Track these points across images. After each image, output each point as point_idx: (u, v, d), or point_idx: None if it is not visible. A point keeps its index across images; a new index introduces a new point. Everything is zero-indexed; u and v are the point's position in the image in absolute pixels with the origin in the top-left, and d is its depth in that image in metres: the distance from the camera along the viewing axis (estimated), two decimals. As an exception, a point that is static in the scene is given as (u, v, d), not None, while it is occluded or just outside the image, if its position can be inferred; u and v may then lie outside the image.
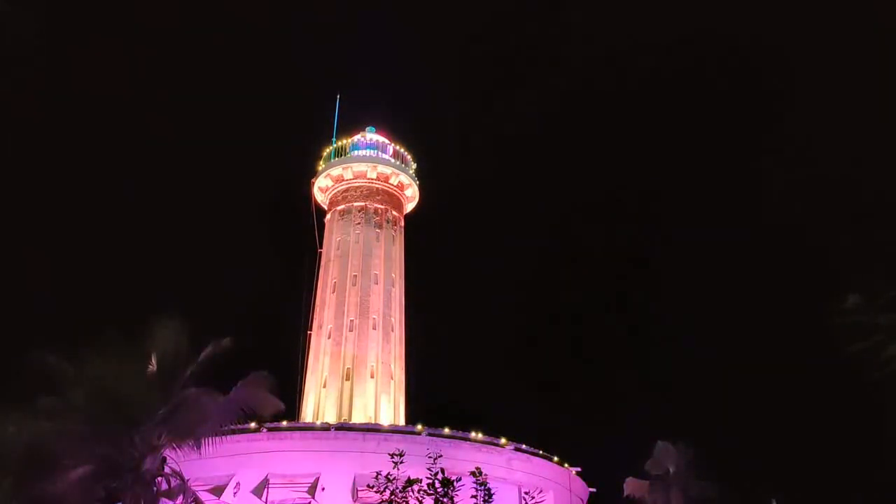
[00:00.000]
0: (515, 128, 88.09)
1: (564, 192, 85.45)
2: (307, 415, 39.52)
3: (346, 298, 41.94)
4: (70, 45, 76.19)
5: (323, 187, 46.45)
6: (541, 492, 32.15)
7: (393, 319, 42.55)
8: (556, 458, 35.91)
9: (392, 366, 41.15)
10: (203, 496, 22.21)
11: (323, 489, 30.00)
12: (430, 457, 17.10)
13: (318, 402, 39.79)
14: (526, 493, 30.65)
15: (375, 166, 45.49)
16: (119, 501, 17.67)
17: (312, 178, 46.45)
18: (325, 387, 39.96)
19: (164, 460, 18.88)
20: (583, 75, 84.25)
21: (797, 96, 71.86)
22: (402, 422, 39.42)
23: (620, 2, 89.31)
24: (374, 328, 41.33)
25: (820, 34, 72.35)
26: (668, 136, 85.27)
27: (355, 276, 42.50)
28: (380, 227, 44.36)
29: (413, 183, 46.63)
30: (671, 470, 31.55)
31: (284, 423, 32.52)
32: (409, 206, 47.55)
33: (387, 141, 47.40)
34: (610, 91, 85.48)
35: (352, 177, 45.51)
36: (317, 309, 42.97)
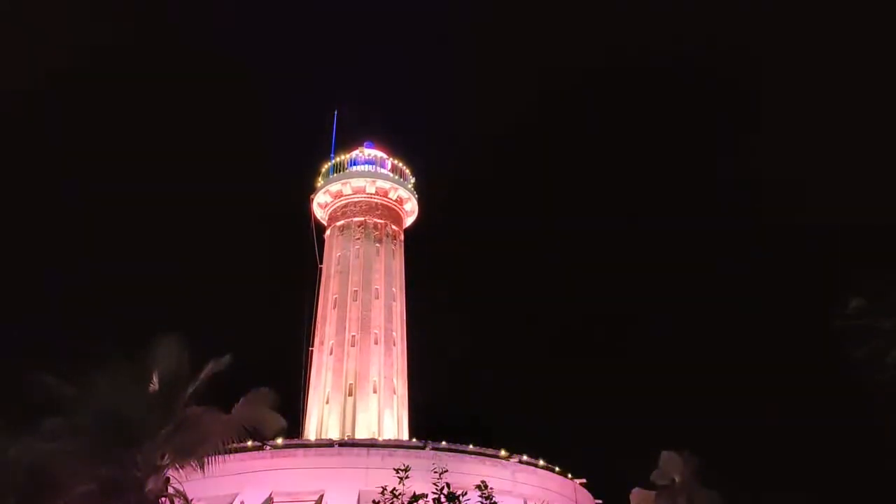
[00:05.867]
0: (514, 141, 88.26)
1: (564, 205, 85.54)
2: (310, 432, 39.35)
3: (347, 314, 41.88)
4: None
5: (322, 203, 46.49)
6: (547, 504, 31.99)
7: (394, 334, 42.46)
8: (561, 470, 35.75)
9: (395, 380, 41.02)
10: (207, 515, 22.08)
11: (327, 506, 29.83)
12: (434, 471, 16.95)
13: (321, 419, 39.63)
14: (532, 506, 30.48)
15: (374, 181, 45.59)
16: (122, 522, 17.53)
17: (311, 194, 46.53)
18: (327, 403, 39.81)
19: (167, 480, 18.74)
20: (577, 83, 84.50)
21: (786, 95, 71.96)
22: (405, 436, 39.24)
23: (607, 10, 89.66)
24: (376, 343, 41.23)
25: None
26: (660, 134, 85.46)
27: (356, 291, 42.45)
28: (379, 241, 44.36)
29: (412, 197, 46.68)
30: (677, 479, 31.37)
31: (288, 440, 32.38)
32: (409, 221, 47.58)
33: (385, 156, 47.52)
34: (607, 104, 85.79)
35: (351, 192, 45.58)
36: (318, 325, 42.89)
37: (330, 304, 42.77)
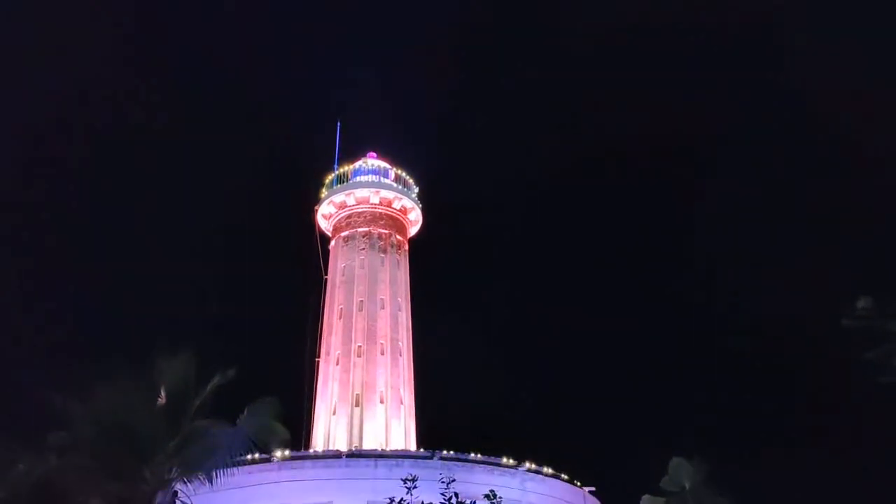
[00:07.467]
0: (518, 148, 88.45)
1: (566, 211, 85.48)
2: (318, 443, 39.28)
3: (353, 324, 41.86)
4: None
5: (326, 214, 46.58)
6: (556, 512, 31.86)
7: (401, 344, 42.43)
8: (569, 478, 35.58)
9: (401, 390, 40.95)
10: (215, 529, 21.97)
11: (336, 517, 29.72)
12: (442, 481, 16.94)
13: (328, 430, 39.56)
14: (541, 515, 30.32)
15: (378, 191, 45.68)
16: (131, 537, 17.48)
17: (315, 205, 46.62)
18: (334, 414, 39.75)
19: (175, 494, 18.69)
20: (578, 91, 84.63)
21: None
22: (413, 446, 39.14)
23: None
24: (383, 353, 41.20)
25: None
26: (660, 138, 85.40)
27: (361, 301, 42.47)
28: (384, 251, 44.40)
29: (416, 206, 46.75)
30: (687, 486, 31.18)
31: (295, 452, 32.32)
32: (413, 230, 47.63)
33: (388, 166, 47.61)
34: (609, 110, 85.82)
35: (355, 202, 45.67)
36: (324, 335, 42.89)
37: (335, 315, 42.80)
